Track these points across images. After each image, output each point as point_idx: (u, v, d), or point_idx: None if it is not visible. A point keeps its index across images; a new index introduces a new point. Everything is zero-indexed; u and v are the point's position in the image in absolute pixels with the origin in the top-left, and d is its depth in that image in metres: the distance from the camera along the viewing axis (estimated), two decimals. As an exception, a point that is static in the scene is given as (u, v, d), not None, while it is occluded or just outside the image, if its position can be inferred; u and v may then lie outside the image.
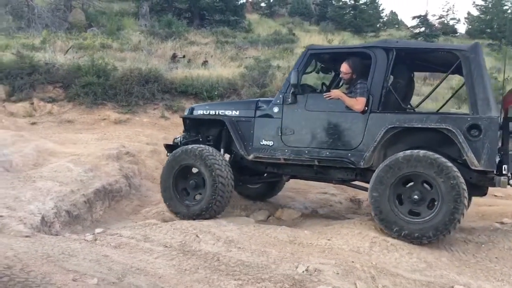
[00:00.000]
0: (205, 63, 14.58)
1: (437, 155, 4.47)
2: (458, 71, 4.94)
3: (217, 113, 5.86)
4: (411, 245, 4.46)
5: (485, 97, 4.54)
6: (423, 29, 28.90)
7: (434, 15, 44.60)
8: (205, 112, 5.99)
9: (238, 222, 5.12)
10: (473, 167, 4.46)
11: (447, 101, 6.46)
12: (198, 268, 3.76)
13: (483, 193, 4.95)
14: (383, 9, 36.28)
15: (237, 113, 5.67)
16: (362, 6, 31.47)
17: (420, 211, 4.56)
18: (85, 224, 5.73)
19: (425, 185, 4.58)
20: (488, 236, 4.96)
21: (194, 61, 15.13)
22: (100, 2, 23.20)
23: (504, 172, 4.51)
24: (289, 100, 5.26)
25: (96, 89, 10.97)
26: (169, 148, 6.21)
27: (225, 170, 5.38)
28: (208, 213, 5.37)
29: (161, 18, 22.74)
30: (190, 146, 5.66)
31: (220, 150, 5.80)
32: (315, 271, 3.72)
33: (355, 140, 4.96)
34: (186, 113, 6.40)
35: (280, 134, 5.32)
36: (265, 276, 3.61)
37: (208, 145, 5.84)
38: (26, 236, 4.26)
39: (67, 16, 19.49)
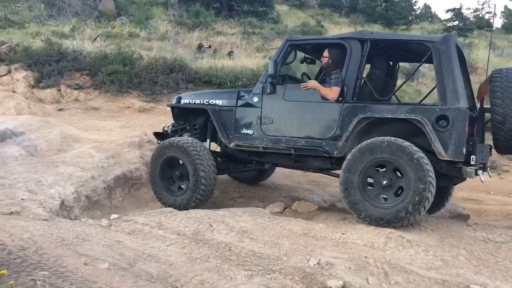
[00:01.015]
0: (230, 53, 14.57)
1: (408, 144, 4.53)
2: (430, 61, 4.94)
3: (201, 102, 6.00)
4: (428, 242, 4.36)
5: (454, 88, 4.59)
6: (456, 22, 28.18)
7: (469, 9, 43.42)
8: (190, 101, 6.14)
9: (254, 213, 5.09)
10: (440, 157, 4.53)
11: (429, 93, 6.40)
12: (209, 257, 3.76)
13: (453, 182, 5.03)
14: (416, 2, 35.34)
15: (220, 102, 5.81)
16: (394, -2, 30.89)
17: (387, 197, 4.65)
18: (104, 210, 5.83)
19: (397, 172, 4.63)
20: (510, 236, 4.81)
21: (220, 51, 15.13)
22: (130, -9, 23.40)
23: (472, 163, 4.55)
24: (268, 90, 5.37)
25: (121, 77, 11.10)
26: (159, 136, 6.39)
27: (207, 163, 5.54)
28: (192, 203, 5.52)
29: (190, 8, 22.79)
30: (173, 139, 5.83)
31: (206, 139, 6.01)
32: (326, 264, 3.67)
33: (330, 130, 5.06)
34: (174, 102, 6.49)
35: (259, 123, 5.45)
36: (276, 268, 3.58)
37: (194, 133, 6.08)
38: (44, 220, 4.34)
39: (97, 5, 19.73)
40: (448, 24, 28.65)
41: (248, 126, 5.54)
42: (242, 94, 5.69)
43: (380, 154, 4.60)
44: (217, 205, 6.17)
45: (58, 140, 7.17)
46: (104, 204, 5.91)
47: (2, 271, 2.60)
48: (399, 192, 4.62)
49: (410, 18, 31.91)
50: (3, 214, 4.53)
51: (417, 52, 5.24)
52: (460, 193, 7.49)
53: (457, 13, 28.54)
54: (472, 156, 4.56)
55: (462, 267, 3.99)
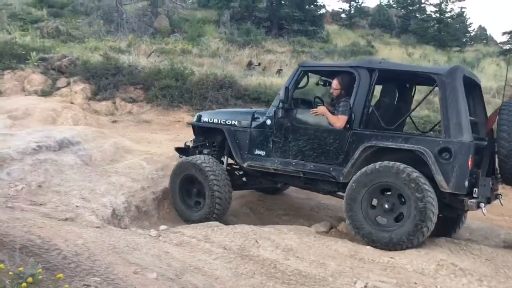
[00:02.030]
0: (279, 71, 14.68)
1: (417, 174, 4.57)
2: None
3: (218, 121, 6.21)
4: (482, 271, 4.18)
5: (458, 121, 4.63)
6: (513, 45, 27.22)
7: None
8: (209, 120, 6.36)
9: (299, 231, 5.06)
10: (442, 189, 4.56)
11: (437, 124, 6.45)
12: (254, 273, 3.76)
13: (456, 213, 5.02)
14: (470, 23, 34.63)
15: (236, 123, 6.00)
16: (448, 19, 30.17)
17: (387, 220, 4.76)
18: (152, 220, 5.96)
19: (401, 198, 4.69)
20: None
21: (269, 69, 15.28)
22: (184, 9, 24.20)
23: (474, 195, 4.58)
24: (280, 114, 5.51)
25: (173, 92, 11.40)
26: (180, 151, 6.71)
27: (222, 183, 5.78)
28: (209, 219, 5.65)
29: (241, 26, 23.26)
30: (191, 158, 6.12)
31: (223, 156, 6.25)
32: (374, 288, 3.60)
33: (337, 156, 5.16)
34: (194, 119, 6.73)
35: (271, 146, 5.61)
36: (321, 289, 3.54)
37: (213, 150, 6.33)
38: (96, 227, 4.49)
39: (153, 22, 20.48)
40: (504, 47, 27.69)
41: (261, 147, 5.69)
42: (256, 115, 5.85)
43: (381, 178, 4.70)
44: (263, 221, 6.18)
45: (111, 151, 7.44)
46: (152, 214, 6.05)
47: (58, 275, 2.71)
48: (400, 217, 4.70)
49: (464, 40, 31.11)
50: (59, 220, 4.72)
51: (425, 83, 5.28)
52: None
53: (514, 35, 27.56)
54: (474, 189, 4.58)
55: (519, 300, 3.80)
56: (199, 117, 6.55)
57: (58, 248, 3.51)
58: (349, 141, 5.06)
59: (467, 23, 33.46)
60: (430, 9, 31.81)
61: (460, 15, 31.67)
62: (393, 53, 20.87)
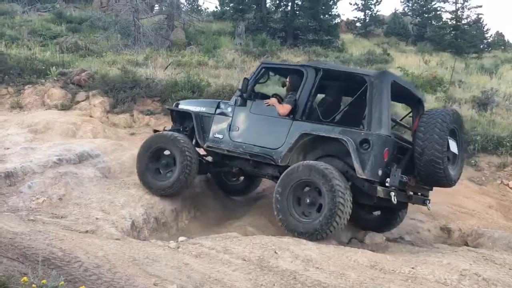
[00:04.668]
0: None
1: (326, 166, 5.22)
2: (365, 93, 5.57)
3: (189, 108, 6.82)
4: (507, 281, 4.09)
5: (379, 117, 5.26)
6: (532, 50, 26.81)
7: (546, 36, 41.10)
8: (183, 107, 6.99)
9: (318, 241, 5.02)
10: (358, 175, 5.17)
11: (404, 116, 7.14)
12: (274, 285, 3.75)
13: (372, 201, 5.41)
14: (488, 30, 34.03)
15: (203, 109, 6.63)
16: (465, 26, 29.89)
17: (310, 213, 5.32)
18: (171, 231, 6.00)
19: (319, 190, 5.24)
20: None
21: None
22: (200, 22, 24.41)
23: (386, 184, 5.20)
24: (239, 102, 6.20)
25: (190, 104, 11.45)
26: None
27: (193, 155, 6.30)
28: (174, 188, 6.22)
29: (256, 37, 23.36)
30: (165, 132, 6.73)
31: (194, 138, 6.66)
32: (395, 299, 3.55)
33: (279, 142, 5.78)
34: (173, 106, 7.35)
35: (228, 130, 6.24)
36: (342, 300, 3.50)
37: (185, 134, 6.76)
38: (117, 239, 4.54)
39: (169, 35, 20.69)
40: (523, 53, 27.32)
41: (220, 131, 6.32)
42: (221, 104, 6.51)
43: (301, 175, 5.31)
44: (281, 232, 6.14)
45: (130, 163, 7.50)
46: (171, 226, 6.08)
47: (81, 287, 2.74)
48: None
49: (481, 46, 30.73)
50: (79, 232, 4.78)
51: (362, 83, 5.74)
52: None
53: (533, 40, 27.14)
54: (387, 179, 5.19)
55: (545, 311, 3.71)
56: (177, 105, 7.21)
57: (79, 260, 3.56)
58: (291, 130, 5.72)
59: (484, 29, 33.03)
60: (446, 16, 31.58)
61: (477, 21, 31.32)
62: (409, 61, 20.70)
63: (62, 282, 2.74)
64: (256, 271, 3.98)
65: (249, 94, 6.19)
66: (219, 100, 6.80)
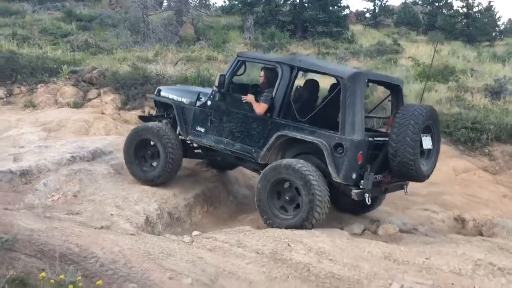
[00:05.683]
0: (304, 74, 14.62)
1: (307, 168, 5.21)
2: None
3: (170, 97, 6.71)
4: (521, 271, 4.07)
5: (353, 121, 5.20)
6: (545, 37, 26.39)
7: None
8: (164, 95, 6.85)
9: (332, 233, 5.03)
10: (333, 179, 5.22)
11: (377, 105, 7.08)
12: (288, 277, 3.77)
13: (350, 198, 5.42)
14: (500, 17, 33.68)
15: (184, 100, 6.50)
16: (476, 14, 29.49)
17: (287, 209, 5.43)
18: (184, 226, 6.04)
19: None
20: None
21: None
22: (208, 17, 24.39)
23: (361, 187, 5.22)
24: (217, 97, 6.09)
25: (200, 99, 11.49)
26: (144, 119, 7.27)
27: (176, 147, 6.30)
28: (161, 178, 6.31)
29: (265, 30, 23.33)
30: (150, 124, 6.65)
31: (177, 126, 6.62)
32: (409, 290, 3.55)
33: (258, 140, 5.78)
34: (155, 93, 7.17)
35: (209, 124, 6.17)
36: (356, 291, 3.52)
37: (169, 121, 6.78)
38: (131, 234, 4.59)
39: (178, 31, 20.72)
40: (536, 39, 26.90)
41: (202, 124, 6.26)
42: (201, 96, 6.37)
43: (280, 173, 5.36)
44: (294, 225, 6.16)
45: (142, 159, 7.55)
46: (185, 221, 6.13)
47: (98, 282, 2.79)
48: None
49: (493, 34, 30.31)
50: (95, 228, 4.85)
51: (336, 82, 5.75)
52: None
53: (547, 27, 26.71)
54: (361, 181, 5.20)
55: (562, 300, 3.69)
56: (159, 91, 7.01)
57: (95, 255, 3.61)
58: (269, 128, 5.68)
59: (496, 17, 32.54)
60: (457, 4, 31.29)
61: (489, 9, 30.85)
62: (421, 50, 20.50)
63: (80, 277, 2.79)
64: (269, 264, 4.01)
65: (227, 88, 6.07)
66: (199, 91, 6.65)
